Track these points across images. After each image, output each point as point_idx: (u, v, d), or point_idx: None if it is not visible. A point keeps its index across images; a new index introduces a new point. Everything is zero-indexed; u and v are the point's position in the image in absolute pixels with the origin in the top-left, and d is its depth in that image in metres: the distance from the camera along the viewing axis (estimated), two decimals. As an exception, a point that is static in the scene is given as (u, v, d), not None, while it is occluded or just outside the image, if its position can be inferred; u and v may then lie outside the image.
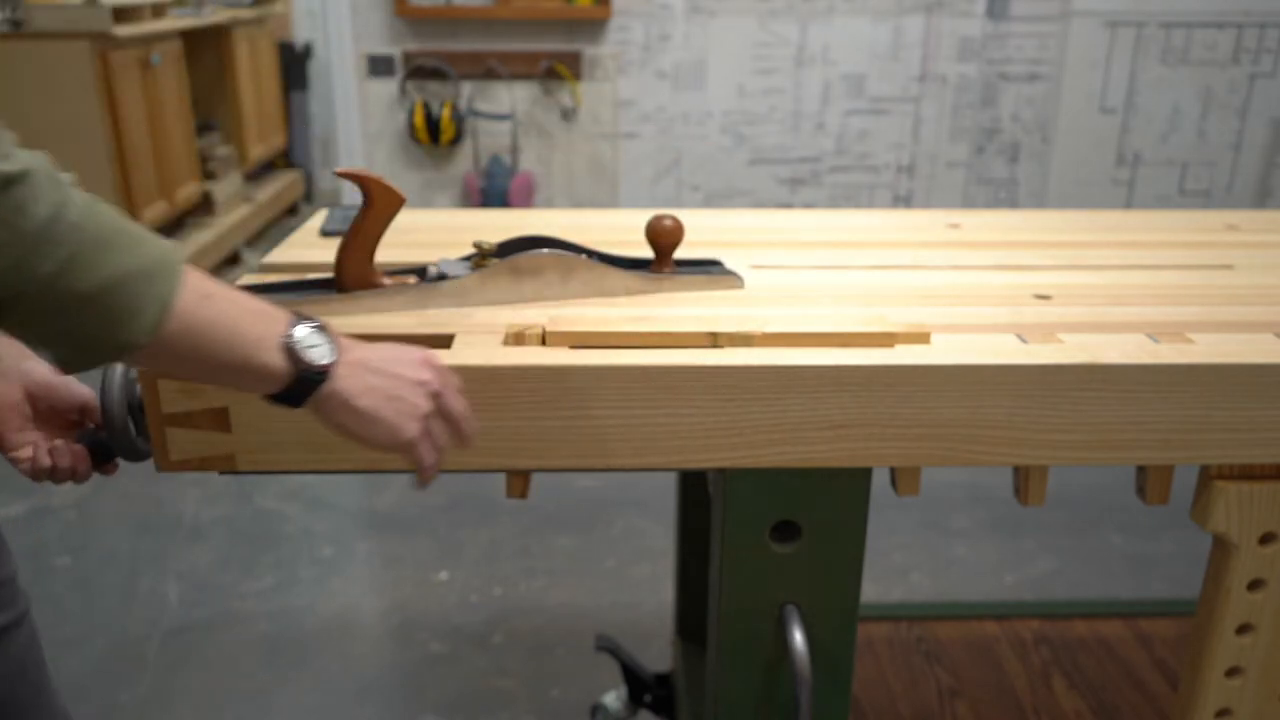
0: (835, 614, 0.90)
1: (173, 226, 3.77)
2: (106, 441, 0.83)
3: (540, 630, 1.98)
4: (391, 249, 1.03)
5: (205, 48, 4.15)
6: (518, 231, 1.02)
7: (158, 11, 3.59)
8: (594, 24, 3.34)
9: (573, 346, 0.83)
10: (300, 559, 2.20)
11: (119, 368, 0.80)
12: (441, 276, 0.93)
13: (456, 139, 3.40)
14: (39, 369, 0.84)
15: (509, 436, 0.81)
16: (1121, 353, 0.83)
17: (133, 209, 3.29)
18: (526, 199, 3.48)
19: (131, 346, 0.61)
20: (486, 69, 3.37)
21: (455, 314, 0.91)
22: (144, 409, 0.80)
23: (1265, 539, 0.88)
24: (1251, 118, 3.57)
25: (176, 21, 3.71)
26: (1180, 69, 3.49)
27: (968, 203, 3.64)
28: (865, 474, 0.86)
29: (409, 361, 0.73)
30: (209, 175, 4.02)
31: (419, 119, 3.36)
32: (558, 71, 3.38)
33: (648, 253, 1.00)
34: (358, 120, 3.44)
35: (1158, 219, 1.34)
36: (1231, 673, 0.93)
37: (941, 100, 3.50)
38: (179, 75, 3.73)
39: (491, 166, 3.47)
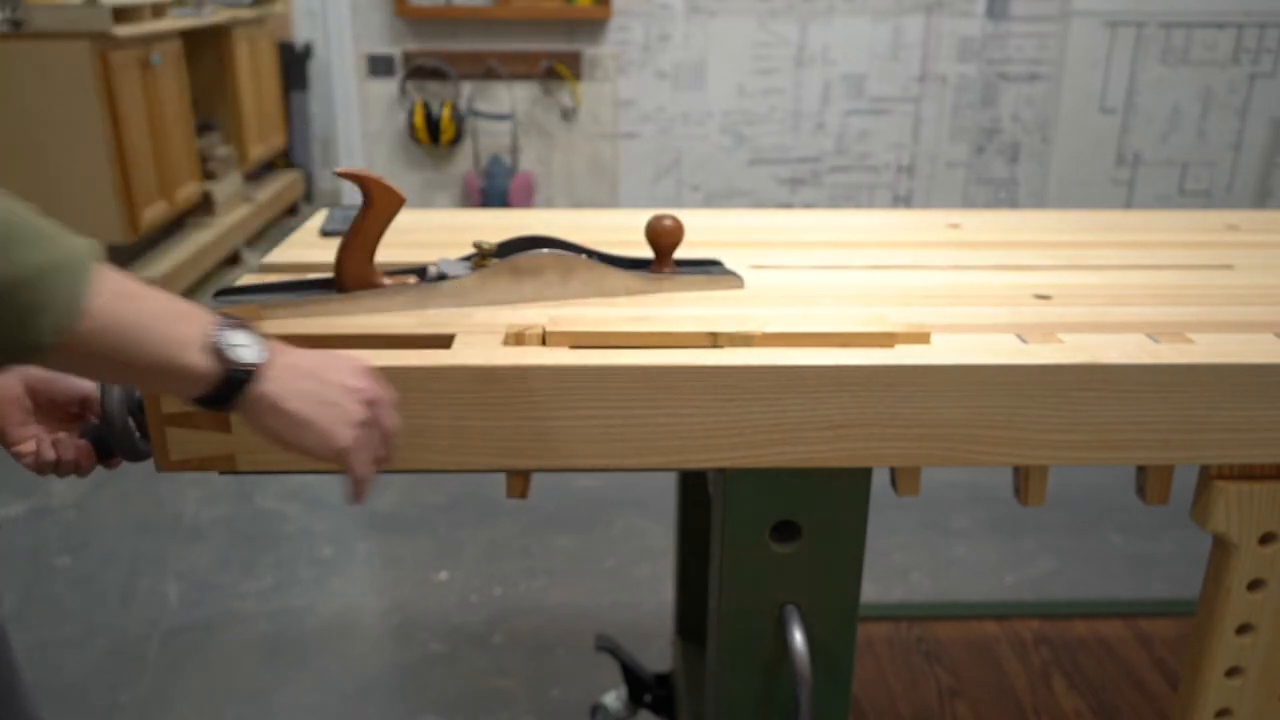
0: (835, 614, 0.90)
1: (173, 226, 3.78)
2: (108, 437, 0.83)
3: (540, 630, 1.98)
4: (391, 249, 1.03)
5: (205, 48, 4.15)
6: (518, 231, 1.02)
7: (158, 11, 3.59)
8: (594, 24, 3.34)
9: (573, 346, 0.83)
10: (300, 559, 2.20)
11: None
12: (441, 276, 0.93)
13: (456, 139, 3.40)
14: None
15: (509, 436, 0.81)
16: (1121, 353, 0.83)
17: (133, 209, 3.29)
18: (526, 199, 3.48)
19: (38, 345, 0.58)
20: (486, 69, 3.37)
21: (455, 314, 0.91)
22: (144, 409, 0.80)
23: (1265, 539, 0.88)
24: (1251, 118, 3.57)
25: (176, 21, 3.71)
26: (1180, 69, 3.49)
27: (968, 203, 3.64)
28: (865, 474, 0.86)
29: (344, 368, 0.71)
30: (209, 175, 4.02)
31: (419, 119, 3.36)
32: (558, 71, 3.38)
33: (648, 253, 1.00)
34: (358, 120, 3.44)
35: (1158, 219, 1.34)
36: (1231, 673, 0.93)
37: (941, 100, 3.50)
38: (179, 75, 3.73)
39: (491, 166, 3.47)
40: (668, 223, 0.96)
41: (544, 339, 0.84)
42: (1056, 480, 0.92)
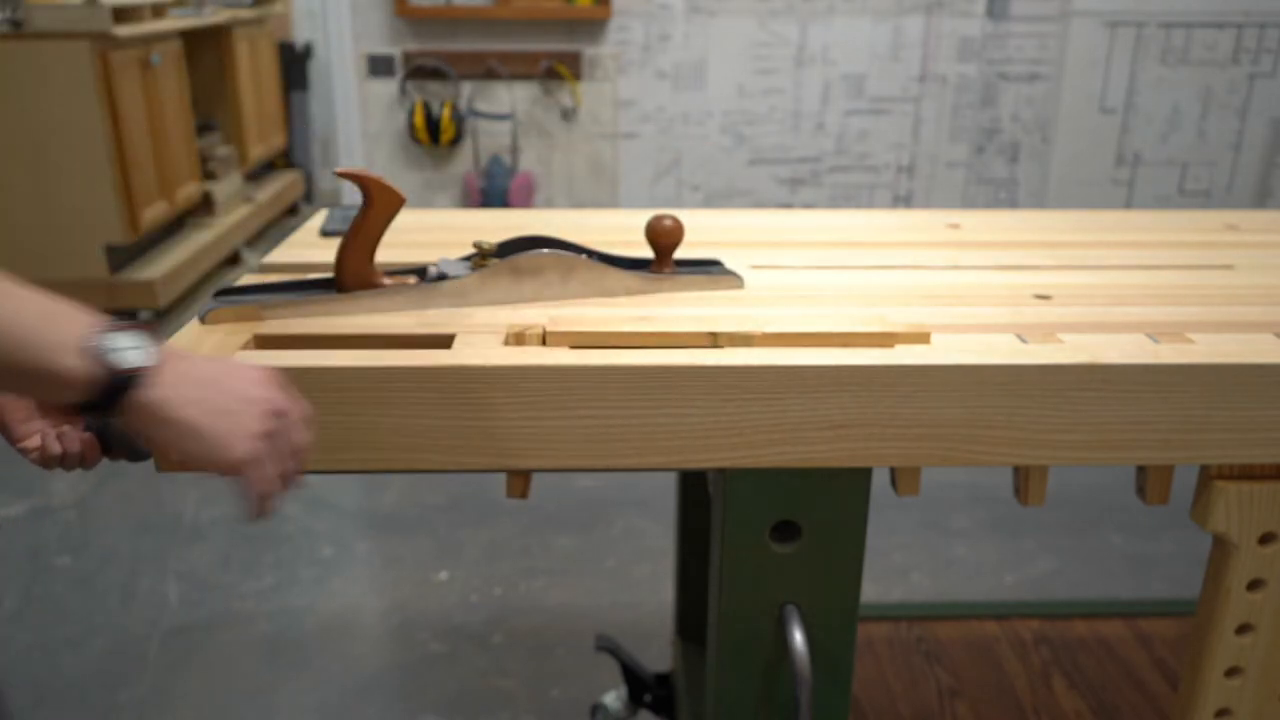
0: (835, 614, 0.90)
1: (173, 226, 3.77)
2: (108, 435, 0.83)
3: (540, 630, 1.98)
4: (391, 249, 1.03)
5: (205, 48, 4.15)
6: (518, 231, 1.02)
7: (158, 11, 3.59)
8: (594, 24, 3.34)
9: (573, 346, 0.83)
10: (300, 559, 2.20)
11: None
12: (441, 276, 0.93)
13: (456, 139, 3.40)
14: None
15: (509, 436, 0.81)
16: (1121, 353, 0.83)
17: (133, 209, 3.29)
18: (526, 199, 3.48)
19: None
20: (486, 69, 3.37)
21: (455, 314, 0.91)
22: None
23: (1265, 539, 0.88)
24: (1251, 118, 3.57)
25: (176, 21, 3.70)
26: (1180, 69, 3.49)
27: (968, 203, 3.64)
28: (865, 474, 0.86)
29: (246, 378, 0.68)
30: (209, 175, 4.02)
31: (419, 119, 3.36)
32: (558, 71, 3.38)
33: (648, 253, 1.00)
34: (358, 120, 3.44)
35: (1158, 219, 1.34)
36: (1231, 673, 0.93)
37: (941, 100, 3.50)
38: (179, 75, 3.73)
39: (491, 166, 3.47)
40: (668, 223, 0.96)
41: (544, 339, 0.84)
42: (1056, 480, 0.92)
